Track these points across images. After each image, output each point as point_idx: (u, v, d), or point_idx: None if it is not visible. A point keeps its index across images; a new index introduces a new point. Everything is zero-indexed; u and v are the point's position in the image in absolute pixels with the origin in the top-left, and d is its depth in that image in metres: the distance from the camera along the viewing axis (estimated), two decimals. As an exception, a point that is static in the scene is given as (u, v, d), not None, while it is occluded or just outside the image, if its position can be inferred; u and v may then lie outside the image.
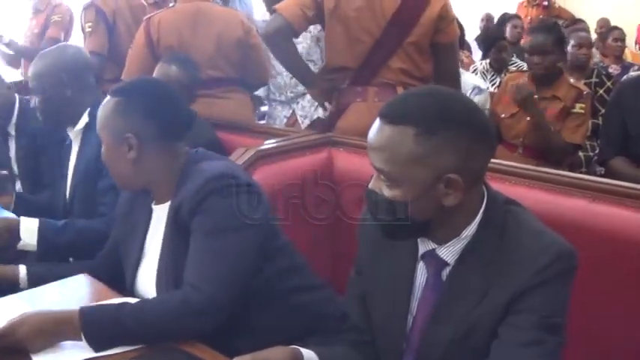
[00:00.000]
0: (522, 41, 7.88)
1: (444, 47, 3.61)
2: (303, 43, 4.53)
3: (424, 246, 1.83)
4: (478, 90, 5.10)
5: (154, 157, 2.27)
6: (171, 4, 4.44)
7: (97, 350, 1.94)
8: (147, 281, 2.30)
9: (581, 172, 4.60)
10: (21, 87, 4.83)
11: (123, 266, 2.42)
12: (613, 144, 3.94)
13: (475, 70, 6.27)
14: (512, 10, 9.92)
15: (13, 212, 3.10)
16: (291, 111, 4.80)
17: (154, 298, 2.16)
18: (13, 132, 3.80)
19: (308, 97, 4.52)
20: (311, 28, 4.19)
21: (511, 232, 1.75)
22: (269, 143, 3.04)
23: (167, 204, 2.27)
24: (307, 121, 4.67)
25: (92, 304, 2.09)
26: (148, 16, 4.36)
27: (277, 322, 2.21)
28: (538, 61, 4.44)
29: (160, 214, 2.31)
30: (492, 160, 2.35)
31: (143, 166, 2.26)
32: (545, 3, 10.39)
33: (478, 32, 9.02)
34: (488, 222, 1.76)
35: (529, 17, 10.19)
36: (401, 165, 1.67)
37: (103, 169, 2.64)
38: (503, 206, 1.80)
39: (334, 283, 2.45)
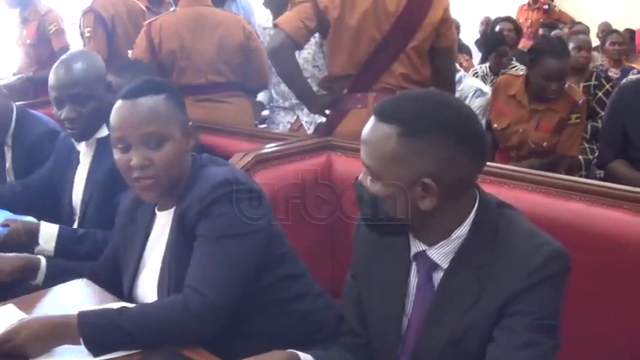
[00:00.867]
0: (521, 44, 7.90)
1: (443, 51, 3.62)
2: (308, 49, 4.52)
3: (415, 247, 1.84)
4: (480, 92, 5.11)
5: (186, 155, 2.26)
6: (171, 9, 4.44)
7: (95, 355, 1.93)
8: (147, 287, 2.28)
9: (580, 176, 4.62)
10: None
11: (121, 273, 2.39)
12: (612, 147, 3.93)
13: (475, 73, 6.26)
14: (513, 13, 9.92)
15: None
16: (295, 117, 4.78)
17: (153, 302, 2.14)
18: (9, 142, 3.71)
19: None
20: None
21: (503, 234, 1.76)
22: (268, 147, 3.04)
23: (171, 210, 2.26)
24: (313, 127, 4.67)
25: (91, 308, 2.08)
26: (149, 20, 4.37)
27: (277, 329, 2.19)
28: (555, 87, 4.36)
29: (163, 220, 2.29)
30: (490, 164, 2.37)
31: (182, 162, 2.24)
32: (546, 7, 10.41)
33: (477, 36, 9.05)
34: (480, 224, 1.77)
35: (529, 20, 10.22)
36: (381, 161, 1.71)
37: (120, 181, 2.62)
38: (495, 209, 1.81)
39: (334, 290, 2.45)
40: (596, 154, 4.95)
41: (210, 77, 4.10)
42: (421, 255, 1.83)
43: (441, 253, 1.79)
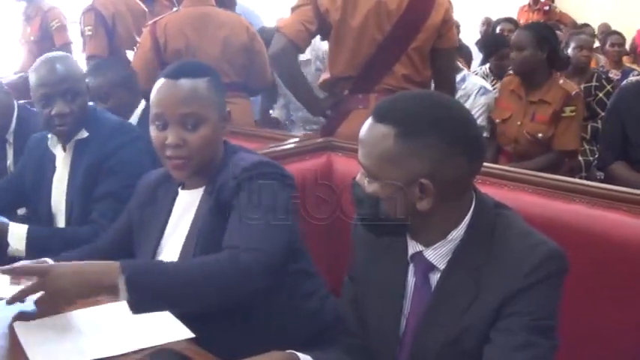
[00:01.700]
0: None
1: (444, 52, 3.64)
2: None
3: (412, 247, 1.85)
4: (484, 90, 5.11)
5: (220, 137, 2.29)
6: (175, 9, 4.44)
7: (135, 311, 1.89)
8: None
9: (580, 177, 4.63)
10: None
11: (135, 253, 2.38)
12: (613, 149, 3.94)
13: (475, 74, 6.26)
14: (513, 14, 9.93)
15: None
16: (315, 127, 4.81)
17: (195, 259, 2.11)
18: (10, 139, 3.75)
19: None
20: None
21: (500, 235, 1.77)
22: (269, 147, 3.05)
23: (199, 189, 2.27)
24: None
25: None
26: (154, 19, 4.37)
27: (284, 326, 2.17)
28: (513, 56, 4.54)
29: (189, 199, 2.30)
30: (490, 165, 2.38)
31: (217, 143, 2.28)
32: (547, 8, 10.41)
33: (478, 36, 9.05)
34: (476, 225, 1.78)
35: (530, 22, 10.20)
36: (378, 161, 1.72)
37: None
38: (492, 210, 1.82)
39: (332, 291, 2.45)
40: (596, 156, 4.97)
41: None
42: (418, 256, 1.84)
43: (438, 254, 1.80)
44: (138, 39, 5.03)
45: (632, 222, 2.21)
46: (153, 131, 2.21)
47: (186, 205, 2.29)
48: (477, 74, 6.10)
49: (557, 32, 7.63)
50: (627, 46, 8.44)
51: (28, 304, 2.10)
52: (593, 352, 2.23)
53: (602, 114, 5.15)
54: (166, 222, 2.33)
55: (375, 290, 1.92)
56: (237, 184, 2.12)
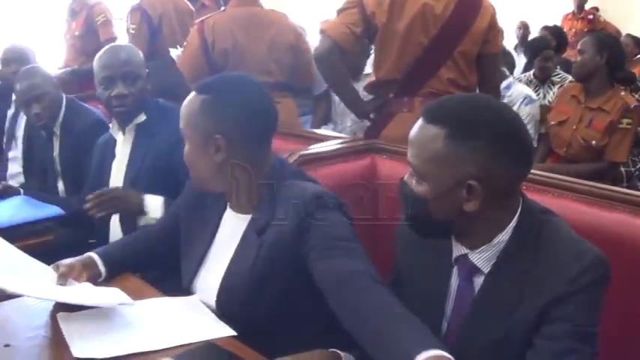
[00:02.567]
0: (566, 54, 7.85)
1: (490, 58, 3.64)
2: None
3: (457, 250, 1.87)
4: (529, 100, 5.10)
5: (242, 162, 2.19)
6: (222, 8, 4.45)
7: None
8: (209, 283, 2.26)
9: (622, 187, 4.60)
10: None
11: (180, 256, 2.41)
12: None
13: (519, 80, 6.23)
14: (557, 22, 9.87)
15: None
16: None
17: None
18: (58, 132, 3.80)
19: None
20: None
21: (546, 241, 1.77)
22: (313, 148, 3.06)
23: (246, 216, 2.24)
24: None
25: None
26: (202, 19, 4.39)
27: (330, 328, 2.08)
28: (574, 60, 4.63)
29: (237, 222, 2.27)
30: (535, 172, 2.38)
31: (229, 169, 2.19)
32: (591, 16, 10.32)
33: (515, 42, 9.04)
34: (522, 230, 1.79)
35: (574, 30, 10.14)
36: (427, 161, 1.74)
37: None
38: (538, 215, 1.83)
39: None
40: (638, 166, 4.94)
41: (263, 78, 4.10)
42: (463, 259, 1.86)
43: (483, 258, 1.81)
44: (182, 38, 5.09)
45: (675, 232, 2.20)
46: None
47: (233, 229, 2.27)
48: (520, 81, 6.08)
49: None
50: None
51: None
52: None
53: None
54: (212, 239, 2.33)
55: (418, 292, 1.94)
56: (296, 226, 2.08)
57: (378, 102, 3.71)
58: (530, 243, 1.77)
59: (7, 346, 1.98)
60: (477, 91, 3.71)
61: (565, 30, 9.78)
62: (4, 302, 2.15)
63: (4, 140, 4.29)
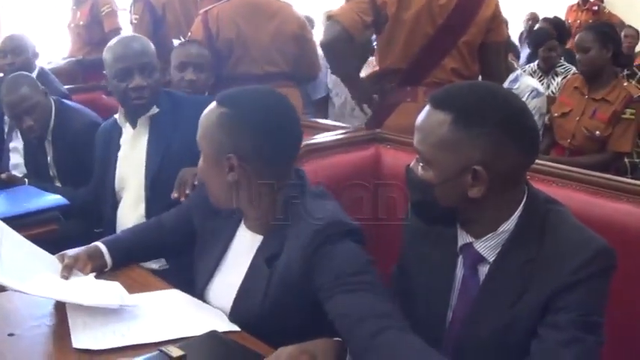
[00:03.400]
0: (569, 44, 7.84)
1: (494, 46, 3.64)
2: None
3: (462, 239, 1.87)
4: (536, 93, 5.10)
5: (255, 184, 2.07)
6: None
7: None
8: (222, 294, 2.21)
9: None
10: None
11: (195, 257, 2.34)
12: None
13: (524, 71, 6.23)
14: (561, 12, 9.84)
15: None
16: None
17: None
18: (50, 137, 3.78)
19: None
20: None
21: (551, 230, 1.78)
22: (317, 138, 3.06)
23: (259, 238, 2.16)
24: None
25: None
26: (206, 8, 4.38)
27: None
28: (579, 58, 4.56)
29: (249, 241, 2.19)
30: (540, 162, 2.38)
31: (242, 190, 2.09)
32: (595, 8, 10.29)
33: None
34: (527, 219, 1.79)
35: (578, 21, 10.10)
36: (433, 147, 1.75)
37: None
38: (544, 205, 1.83)
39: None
40: (641, 157, 4.95)
41: (266, 68, 4.12)
42: (468, 247, 1.86)
43: (488, 246, 1.82)
44: (186, 28, 5.09)
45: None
46: None
47: (245, 247, 2.20)
48: (525, 72, 6.08)
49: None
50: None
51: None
52: (637, 351, 2.22)
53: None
54: (226, 249, 2.26)
55: (424, 280, 1.94)
56: (304, 262, 1.98)
57: (381, 85, 3.70)
58: (535, 232, 1.77)
59: (11, 335, 1.99)
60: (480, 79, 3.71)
61: (570, 21, 9.79)
62: (9, 291, 2.15)
63: (6, 130, 4.28)
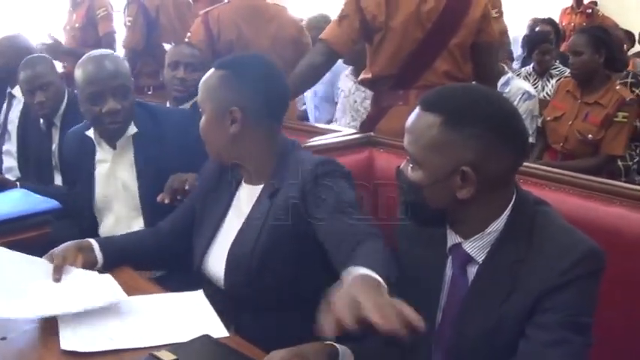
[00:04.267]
0: (563, 47, 7.85)
1: (484, 46, 3.64)
2: None
3: (451, 239, 1.88)
4: (528, 95, 5.10)
5: (255, 134, 2.30)
6: (226, 0, 4.45)
7: None
8: (217, 257, 2.33)
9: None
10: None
11: (193, 239, 2.45)
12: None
13: (518, 75, 6.24)
14: (555, 15, 9.85)
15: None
16: None
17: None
18: (58, 123, 3.82)
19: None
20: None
21: (539, 230, 1.78)
22: (310, 142, 3.07)
23: (259, 186, 2.34)
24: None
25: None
26: (206, 10, 4.40)
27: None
28: (572, 61, 4.57)
29: (249, 193, 2.37)
30: (532, 165, 2.38)
31: (243, 141, 2.29)
32: (589, 10, 10.32)
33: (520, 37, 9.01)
34: (516, 220, 1.80)
35: (572, 24, 10.14)
36: (423, 148, 1.76)
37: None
38: (532, 206, 1.84)
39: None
40: (635, 160, 4.94)
41: None
42: (456, 248, 1.87)
43: (477, 247, 1.83)
44: (180, 30, 5.09)
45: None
46: None
47: (247, 200, 2.36)
48: (519, 75, 6.09)
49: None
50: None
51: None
52: (627, 354, 2.22)
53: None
54: (226, 212, 2.40)
55: (413, 282, 1.93)
56: (307, 187, 2.19)
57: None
58: (523, 233, 1.78)
59: (3, 339, 1.99)
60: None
61: (564, 24, 9.82)
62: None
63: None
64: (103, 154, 3.08)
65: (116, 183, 3.09)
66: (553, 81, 6.08)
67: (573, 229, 1.79)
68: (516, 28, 9.51)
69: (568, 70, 5.70)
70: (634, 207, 2.26)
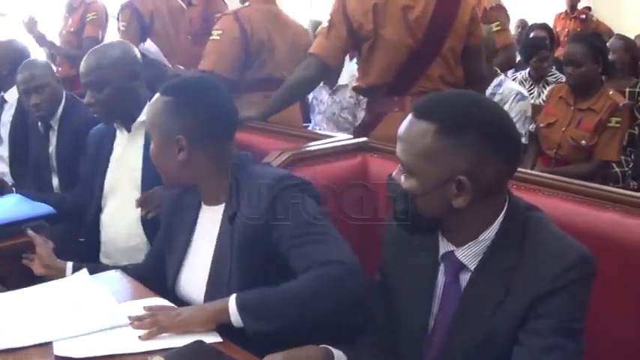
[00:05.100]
0: (557, 53, 7.86)
1: (474, 49, 3.66)
2: None
3: (444, 247, 1.88)
4: (521, 96, 5.09)
5: (204, 158, 2.29)
6: (246, 4, 4.42)
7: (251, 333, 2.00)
8: (193, 279, 2.33)
9: (616, 187, 4.60)
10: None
11: (166, 265, 2.44)
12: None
13: (514, 79, 6.25)
14: (549, 20, 9.85)
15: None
16: None
17: (290, 283, 2.07)
18: (55, 126, 3.83)
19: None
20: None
21: (531, 237, 1.78)
22: (304, 147, 3.06)
23: (220, 206, 2.32)
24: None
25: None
26: (234, 9, 4.40)
27: (317, 326, 2.12)
28: (570, 71, 4.53)
29: (211, 215, 2.35)
30: (526, 171, 2.38)
31: (192, 166, 2.28)
32: (583, 16, 10.33)
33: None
34: (508, 227, 1.80)
35: (567, 29, 10.14)
36: (416, 157, 1.75)
37: None
38: (524, 212, 1.84)
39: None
40: (631, 166, 4.94)
41: (284, 73, 4.10)
42: (449, 255, 1.87)
43: (469, 254, 1.83)
44: (174, 36, 5.10)
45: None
46: None
47: (210, 221, 2.35)
48: (515, 80, 6.09)
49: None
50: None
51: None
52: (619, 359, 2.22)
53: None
54: (191, 235, 2.39)
55: (405, 289, 1.95)
56: (264, 211, 2.16)
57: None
58: (515, 239, 1.78)
59: (-4, 345, 1.99)
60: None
61: (558, 29, 9.82)
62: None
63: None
64: (120, 137, 3.20)
65: (125, 166, 3.16)
66: (549, 87, 6.08)
67: (564, 235, 1.79)
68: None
69: (564, 77, 5.71)
70: (627, 212, 2.25)
